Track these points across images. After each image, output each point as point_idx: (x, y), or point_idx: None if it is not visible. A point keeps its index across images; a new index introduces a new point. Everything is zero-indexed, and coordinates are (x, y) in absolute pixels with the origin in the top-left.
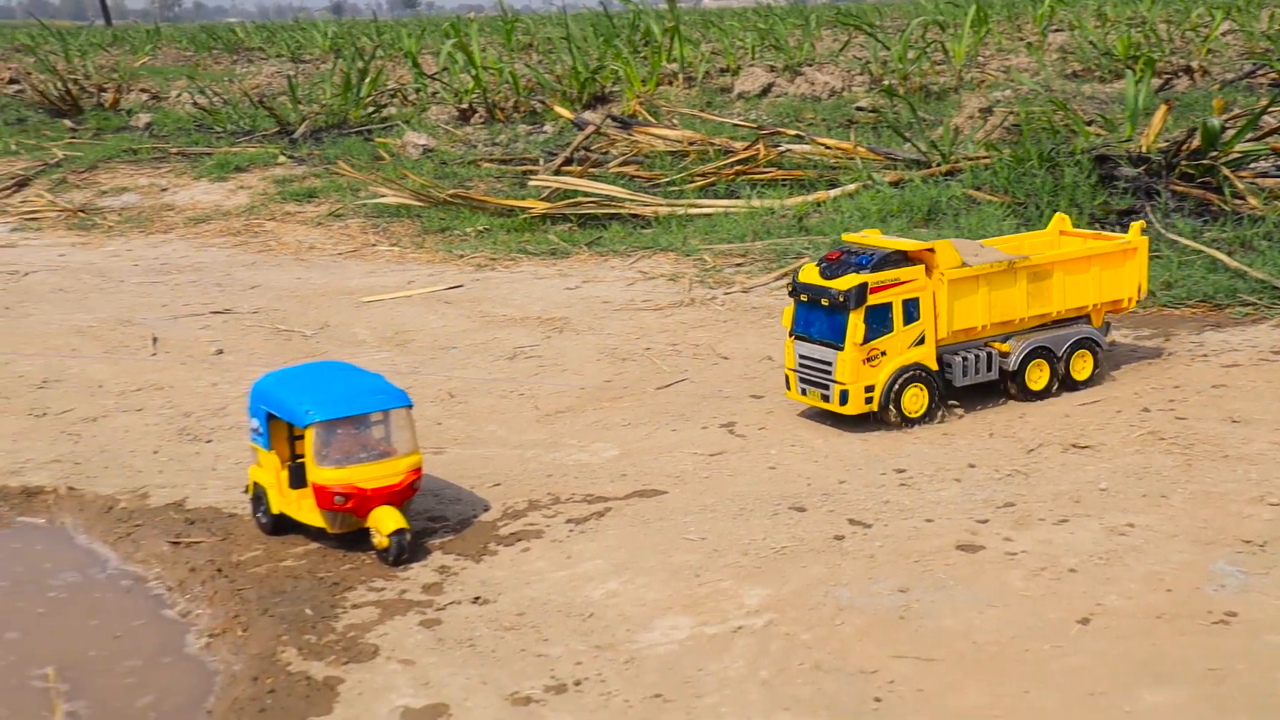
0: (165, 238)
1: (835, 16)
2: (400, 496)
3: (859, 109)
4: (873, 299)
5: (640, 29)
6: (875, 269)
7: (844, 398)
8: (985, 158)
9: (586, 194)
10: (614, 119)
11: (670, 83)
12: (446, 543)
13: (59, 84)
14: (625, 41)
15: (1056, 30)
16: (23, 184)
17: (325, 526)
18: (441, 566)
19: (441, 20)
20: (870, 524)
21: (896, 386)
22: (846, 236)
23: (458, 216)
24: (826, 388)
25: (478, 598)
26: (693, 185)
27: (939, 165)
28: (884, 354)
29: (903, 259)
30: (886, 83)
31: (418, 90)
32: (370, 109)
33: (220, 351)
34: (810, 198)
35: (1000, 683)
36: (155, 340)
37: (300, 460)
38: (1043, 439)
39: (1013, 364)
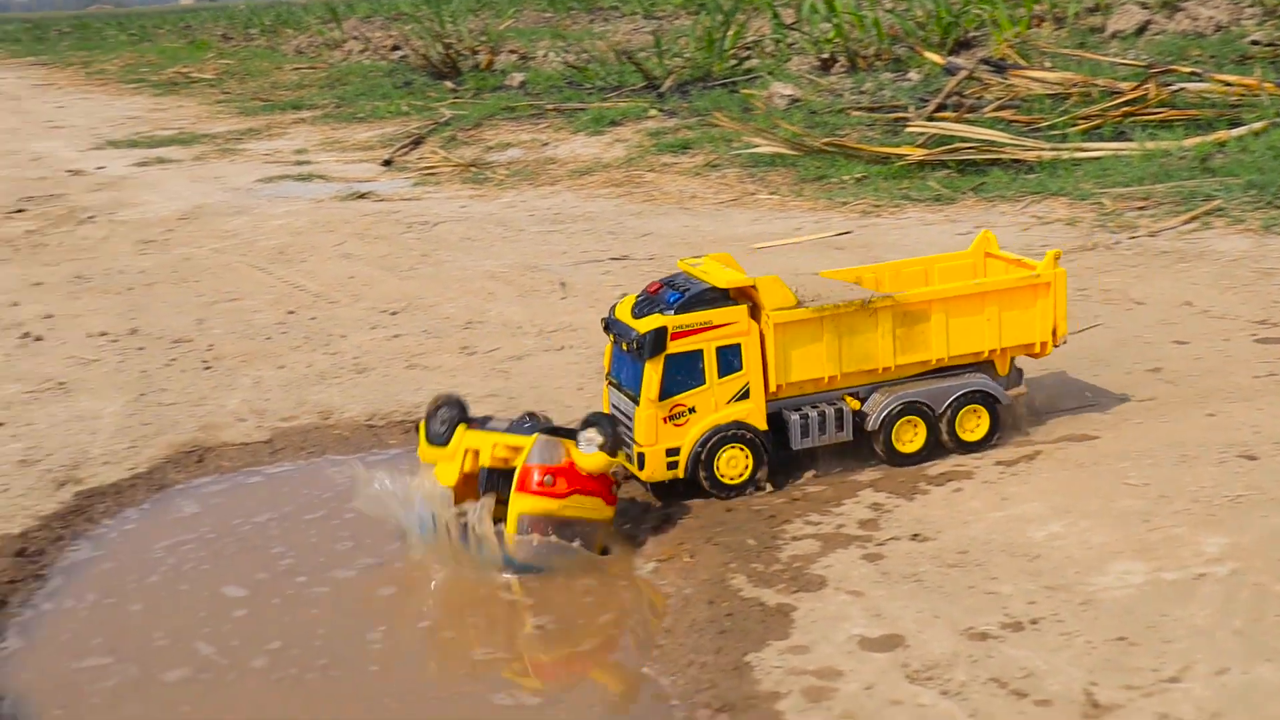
0: (553, 189)
1: None
2: None
3: (1254, 43)
4: (675, 346)
5: None
6: (682, 309)
7: (640, 461)
8: None
9: (965, 140)
10: (986, 63)
11: (1038, 25)
12: (876, 481)
13: (439, 48)
14: None
15: None
16: (417, 142)
17: None
18: (874, 504)
19: None
20: None
21: (708, 449)
22: (683, 263)
23: (833, 165)
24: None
25: (916, 535)
26: (1076, 128)
27: None
28: (692, 410)
29: (721, 297)
30: None
31: (777, 42)
32: (733, 62)
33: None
34: (1211, 138)
35: None
36: (563, 285)
37: None
38: None
39: (873, 422)
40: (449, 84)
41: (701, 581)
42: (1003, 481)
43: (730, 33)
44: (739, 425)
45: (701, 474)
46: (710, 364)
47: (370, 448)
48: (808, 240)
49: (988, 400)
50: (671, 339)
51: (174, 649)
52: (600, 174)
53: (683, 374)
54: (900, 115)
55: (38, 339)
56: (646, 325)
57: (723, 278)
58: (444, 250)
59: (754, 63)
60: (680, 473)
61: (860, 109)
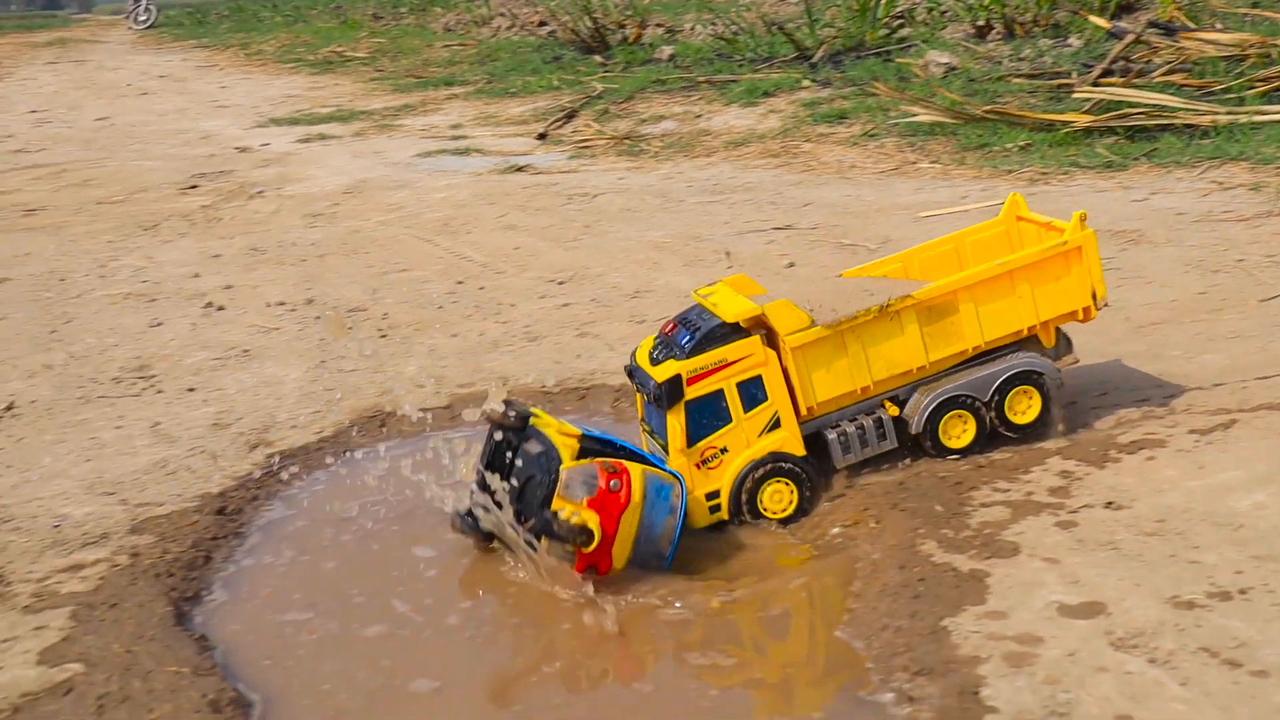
0: (709, 160)
1: None
2: None
3: None
4: (693, 391)
5: None
6: (693, 352)
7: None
8: None
9: (1134, 105)
10: (1155, 25)
11: None
12: (1063, 449)
13: (587, 22)
14: None
15: None
16: (570, 116)
17: None
18: (1063, 471)
19: None
20: None
21: (748, 486)
22: (697, 295)
23: (994, 133)
24: None
25: (1110, 503)
26: (1254, 91)
27: None
28: (725, 451)
29: (731, 332)
30: None
31: (930, 9)
32: (886, 31)
33: (792, 264)
34: None
35: None
36: (728, 254)
37: None
38: None
39: (916, 425)
40: (598, 58)
41: (890, 547)
42: (1199, 450)
43: (883, 1)
44: (776, 457)
45: (746, 513)
46: (734, 401)
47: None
48: (974, 208)
49: (1036, 379)
50: (688, 384)
51: (371, 605)
52: (756, 145)
53: (707, 416)
54: (1063, 82)
55: (220, 309)
56: (661, 374)
57: (731, 310)
58: (606, 221)
59: (907, 31)
60: (725, 515)
61: (1020, 76)
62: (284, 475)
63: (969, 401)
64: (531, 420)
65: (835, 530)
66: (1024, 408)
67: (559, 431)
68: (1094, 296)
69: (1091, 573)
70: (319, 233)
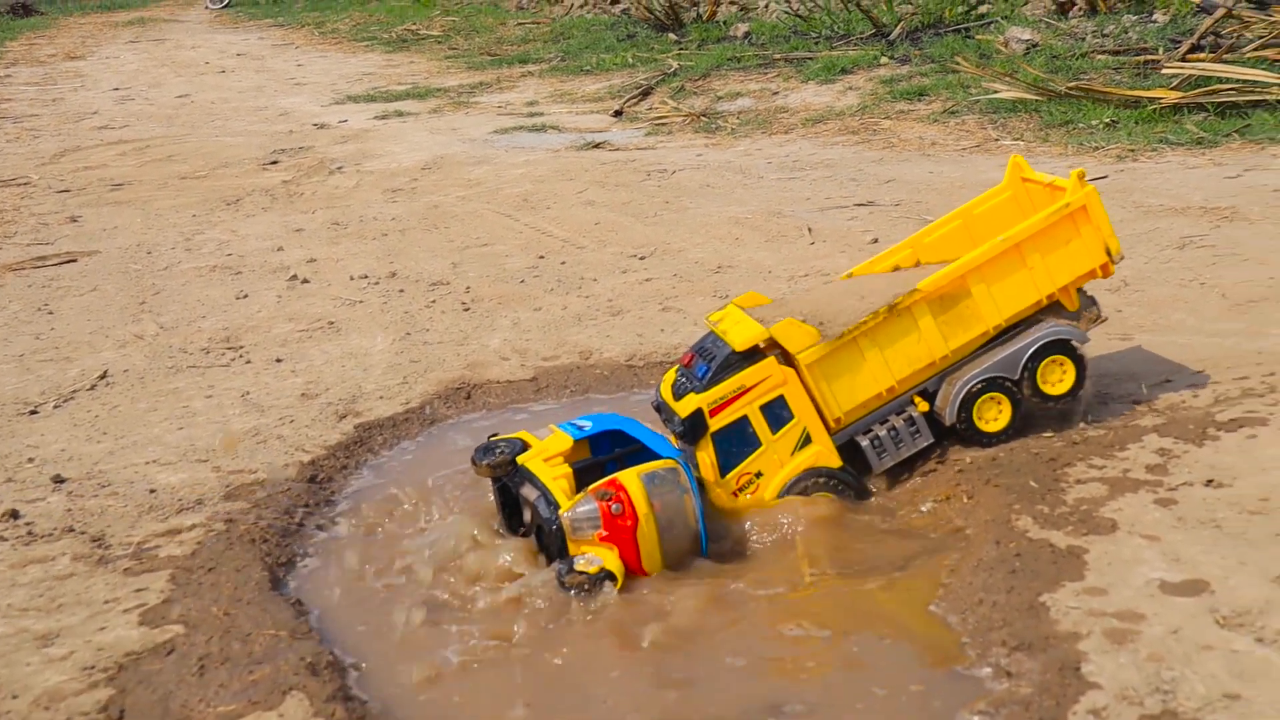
0: (787, 137)
1: None
2: None
3: None
4: (716, 422)
5: None
6: (711, 383)
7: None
8: None
9: (1225, 80)
10: None
11: None
12: (1160, 426)
13: (662, 0)
14: None
15: None
16: (646, 93)
17: None
18: (1160, 449)
19: None
20: None
21: None
22: (710, 319)
23: (1079, 110)
24: None
25: (1210, 480)
26: None
27: None
28: (759, 475)
29: (745, 358)
30: None
31: None
32: (964, 7)
33: (875, 240)
34: None
35: None
36: (810, 230)
37: None
38: None
39: (949, 417)
40: (672, 36)
41: (984, 522)
42: None
43: None
44: (812, 473)
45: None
46: (760, 424)
47: (631, 387)
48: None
49: (1065, 346)
50: (710, 416)
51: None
52: (834, 121)
53: (735, 445)
54: (1149, 58)
55: (304, 281)
56: (683, 409)
57: (739, 337)
58: (685, 197)
59: (986, 8)
60: None
61: (1104, 52)
62: (373, 445)
63: (1000, 382)
64: (519, 459)
65: (927, 506)
66: (1058, 378)
67: (547, 460)
68: (1108, 252)
69: (1193, 550)
70: (399, 208)
